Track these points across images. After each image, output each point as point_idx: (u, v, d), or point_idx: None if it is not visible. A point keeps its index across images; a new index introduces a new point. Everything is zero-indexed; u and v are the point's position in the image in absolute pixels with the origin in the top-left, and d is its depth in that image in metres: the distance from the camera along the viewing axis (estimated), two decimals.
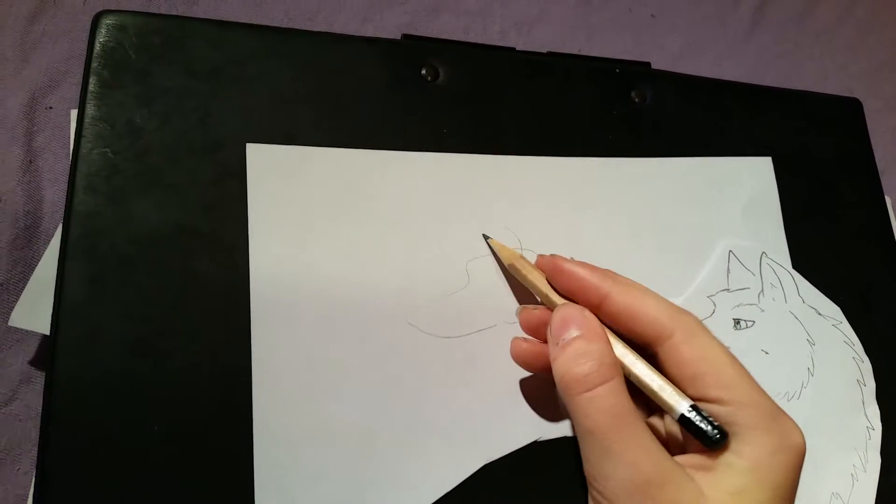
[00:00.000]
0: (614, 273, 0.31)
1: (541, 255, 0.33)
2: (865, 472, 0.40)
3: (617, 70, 0.43)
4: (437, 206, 0.36)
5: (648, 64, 0.44)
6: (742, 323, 0.39)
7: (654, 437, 0.26)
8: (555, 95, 0.41)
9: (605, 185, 0.40)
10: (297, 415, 0.31)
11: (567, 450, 0.33)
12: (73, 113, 0.37)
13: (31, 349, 0.36)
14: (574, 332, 0.28)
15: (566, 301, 0.31)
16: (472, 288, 0.35)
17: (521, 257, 0.34)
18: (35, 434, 0.34)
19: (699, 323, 0.29)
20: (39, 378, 0.36)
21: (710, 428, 0.26)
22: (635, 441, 0.25)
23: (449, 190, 0.36)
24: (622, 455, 0.25)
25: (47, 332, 0.31)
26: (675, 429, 0.30)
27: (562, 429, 0.34)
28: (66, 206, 0.32)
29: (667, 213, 0.40)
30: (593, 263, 0.37)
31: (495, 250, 0.35)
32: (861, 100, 0.49)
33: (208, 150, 0.34)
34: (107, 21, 0.35)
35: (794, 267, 0.42)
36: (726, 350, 0.28)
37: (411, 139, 0.37)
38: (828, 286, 0.42)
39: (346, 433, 0.31)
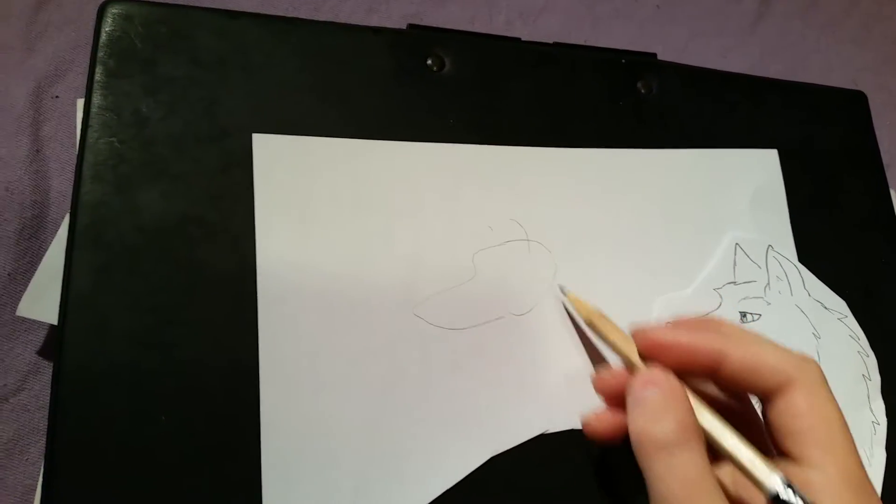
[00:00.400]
0: (720, 323, 0.29)
1: (635, 329, 0.30)
2: (871, 467, 0.40)
3: (623, 61, 0.42)
4: (443, 196, 0.36)
5: (654, 55, 0.44)
6: (748, 316, 0.39)
7: None
8: (561, 86, 0.41)
9: (611, 176, 0.40)
10: (304, 406, 0.31)
11: (574, 441, 0.33)
12: (80, 102, 0.36)
13: (38, 339, 0.36)
14: (653, 391, 0.26)
15: (650, 364, 0.29)
16: (478, 279, 0.35)
17: (602, 315, 0.32)
18: (43, 424, 0.34)
19: (821, 374, 0.27)
20: (47, 368, 0.36)
21: None
22: None
23: (455, 181, 0.36)
24: None
25: (55, 323, 0.31)
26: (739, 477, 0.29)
27: (569, 420, 0.34)
28: (73, 196, 0.32)
29: (673, 205, 0.40)
30: (599, 259, 0.37)
31: (573, 305, 0.34)
32: (866, 92, 0.48)
33: (214, 140, 0.34)
34: (112, 10, 0.35)
35: (799, 260, 0.42)
36: (840, 412, 0.27)
37: (417, 129, 0.37)
38: (833, 280, 0.42)
39: (353, 425, 0.31)
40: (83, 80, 0.34)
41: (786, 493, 0.24)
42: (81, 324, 0.30)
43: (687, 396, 0.27)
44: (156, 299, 0.31)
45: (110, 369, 0.30)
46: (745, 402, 0.30)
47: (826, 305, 0.42)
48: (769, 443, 0.28)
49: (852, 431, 0.39)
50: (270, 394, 0.31)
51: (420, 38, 0.39)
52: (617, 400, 0.29)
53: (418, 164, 0.36)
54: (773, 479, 0.24)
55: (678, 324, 0.29)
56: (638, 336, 0.29)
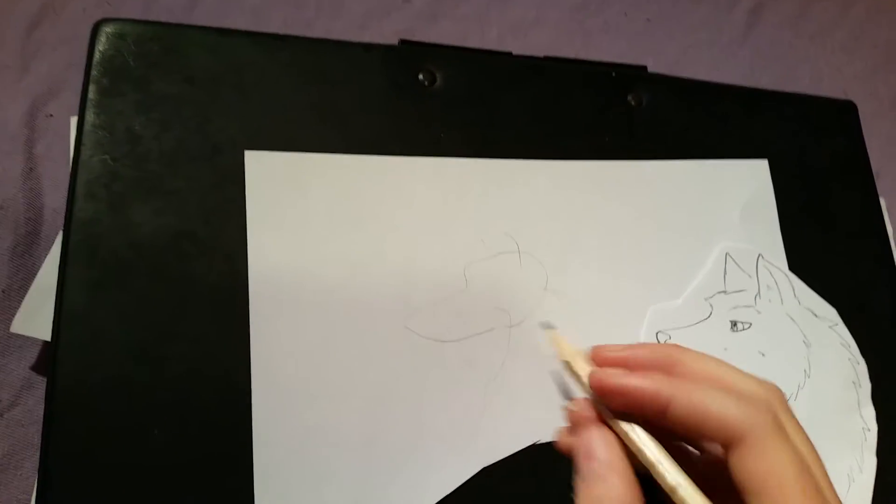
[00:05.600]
0: (676, 361, 0.27)
1: (597, 349, 0.29)
2: (862, 472, 0.40)
3: (613, 74, 0.43)
4: (434, 210, 0.36)
5: (645, 67, 0.44)
6: (739, 325, 0.40)
7: None
8: (551, 99, 0.41)
9: (603, 188, 0.40)
10: (296, 420, 0.31)
11: None
12: (73, 120, 0.37)
13: (32, 355, 0.36)
14: (597, 467, 0.25)
15: (595, 423, 0.27)
16: (469, 292, 0.35)
17: (578, 356, 0.30)
18: (37, 439, 0.35)
19: (774, 424, 0.25)
20: (41, 384, 0.36)
21: None
22: None
23: (446, 194, 0.37)
24: None
25: (48, 339, 0.31)
26: None
27: None
28: (66, 213, 0.32)
29: (664, 215, 0.41)
30: (591, 270, 0.38)
31: (555, 345, 0.32)
32: (856, 101, 0.49)
33: (207, 157, 0.34)
34: (106, 29, 0.35)
35: (790, 269, 0.42)
36: (797, 462, 0.25)
37: (409, 144, 0.37)
38: (824, 288, 0.43)
39: (345, 438, 0.31)
40: (77, 99, 0.34)
41: None
42: (75, 339, 0.30)
43: (625, 475, 0.25)
44: (148, 315, 0.31)
45: (103, 384, 0.30)
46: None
47: (817, 314, 0.42)
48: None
49: (843, 439, 0.40)
50: (262, 408, 0.31)
51: (411, 53, 0.40)
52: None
53: (410, 178, 0.36)
54: None
55: (631, 367, 0.28)
56: (592, 378, 0.28)
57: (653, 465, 0.25)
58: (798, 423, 0.26)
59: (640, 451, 0.26)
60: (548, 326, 0.34)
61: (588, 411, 0.28)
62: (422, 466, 0.32)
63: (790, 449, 0.25)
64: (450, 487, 0.32)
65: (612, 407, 0.27)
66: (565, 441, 0.29)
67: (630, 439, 0.26)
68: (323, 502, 0.30)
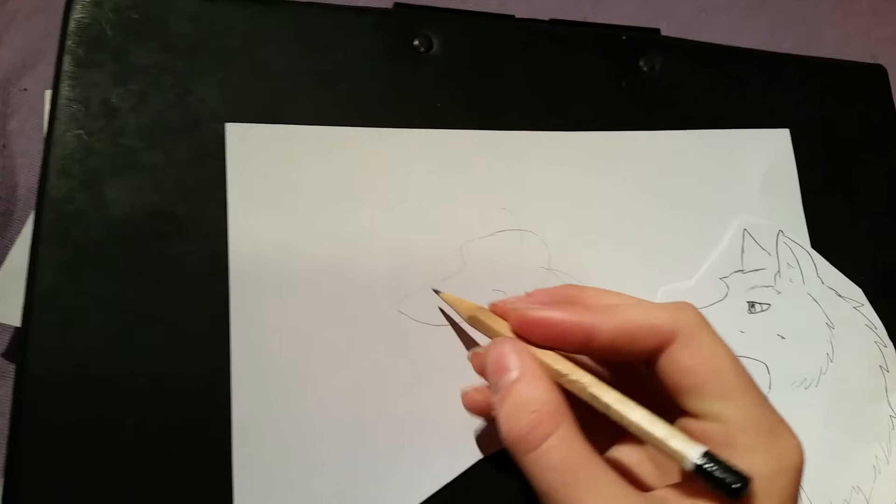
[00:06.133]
0: (588, 294, 0.27)
1: (496, 304, 0.29)
2: (889, 463, 0.37)
3: (624, 37, 0.40)
4: (430, 185, 0.34)
5: (658, 31, 0.41)
6: (757, 306, 0.37)
7: (620, 481, 0.23)
8: (557, 66, 0.38)
9: (611, 161, 0.37)
10: (280, 409, 0.29)
11: None
12: (48, 94, 0.35)
13: (3, 342, 0.35)
14: (512, 375, 0.25)
15: (507, 336, 0.27)
16: (467, 272, 0.33)
17: (482, 309, 0.30)
18: (6, 430, 0.33)
19: (700, 320, 0.25)
20: (11, 372, 0.35)
21: (729, 477, 0.22)
22: (598, 495, 0.22)
23: (443, 168, 0.34)
24: None
25: (19, 325, 0.30)
26: (651, 453, 0.27)
27: None
28: (38, 191, 0.30)
29: (677, 189, 0.38)
30: (597, 249, 0.36)
31: (451, 305, 0.31)
32: (886, 66, 0.46)
33: (187, 130, 0.32)
34: None
35: (812, 246, 0.40)
36: (729, 353, 0.25)
37: (403, 115, 0.35)
38: (849, 266, 0.40)
39: (332, 428, 0.30)
40: (53, 72, 0.33)
41: (703, 461, 0.22)
42: (46, 324, 0.29)
43: (544, 378, 0.25)
44: (123, 298, 0.30)
45: (75, 371, 0.28)
46: (632, 368, 0.28)
47: (840, 293, 0.39)
48: (665, 404, 0.26)
49: (869, 427, 0.38)
50: (243, 397, 0.29)
51: (406, 17, 0.37)
52: None
53: (404, 151, 0.34)
54: (692, 453, 0.22)
55: (547, 300, 0.28)
56: (510, 314, 0.27)
57: (585, 390, 0.25)
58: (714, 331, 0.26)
59: (572, 381, 0.25)
60: (437, 290, 0.32)
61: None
62: (414, 458, 0.30)
63: (721, 342, 0.25)
64: (445, 480, 0.30)
65: (535, 341, 0.26)
66: (474, 395, 0.29)
67: (557, 370, 0.25)
68: (306, 495, 0.29)
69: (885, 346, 0.39)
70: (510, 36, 0.38)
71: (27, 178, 0.37)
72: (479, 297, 0.33)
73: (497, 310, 0.29)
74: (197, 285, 0.30)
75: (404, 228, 0.33)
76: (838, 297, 0.39)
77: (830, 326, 0.39)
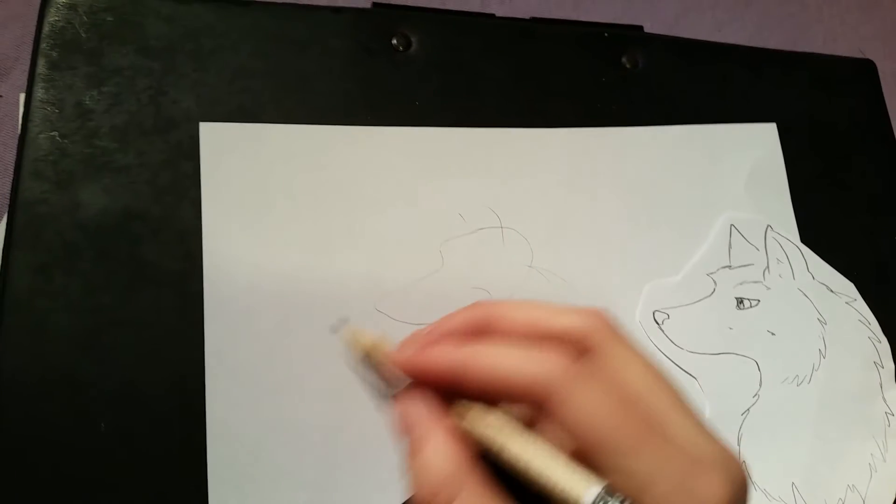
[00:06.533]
0: (492, 306, 0.24)
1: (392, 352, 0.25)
2: (885, 461, 0.37)
3: (606, 34, 0.40)
4: (408, 184, 0.34)
5: (640, 28, 0.41)
6: (746, 302, 0.37)
7: None
8: (538, 63, 0.38)
9: (594, 157, 0.37)
10: (256, 412, 0.29)
11: None
12: (23, 98, 0.35)
13: None
14: (414, 438, 0.23)
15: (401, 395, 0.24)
16: (446, 271, 0.33)
17: (381, 345, 0.25)
18: None
19: (575, 370, 0.21)
20: None
21: None
22: None
23: (422, 167, 0.34)
24: None
25: None
26: None
27: None
28: (11, 193, 0.30)
29: (662, 186, 0.37)
30: (580, 246, 0.35)
31: (352, 337, 0.26)
32: (874, 61, 0.45)
33: (160, 131, 0.32)
34: (57, 0, 0.33)
35: (802, 241, 0.39)
36: (609, 402, 0.21)
37: (381, 113, 0.35)
38: (840, 261, 0.39)
39: (310, 430, 0.29)
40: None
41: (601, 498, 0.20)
42: (18, 327, 0.28)
43: (445, 438, 0.22)
44: (97, 300, 0.29)
45: (48, 374, 0.28)
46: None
47: (832, 288, 0.38)
48: None
49: (864, 424, 0.37)
50: (218, 399, 0.28)
51: (384, 16, 0.37)
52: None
53: (382, 149, 0.34)
54: (585, 492, 0.20)
55: (445, 325, 0.24)
56: (394, 358, 0.24)
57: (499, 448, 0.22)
58: (628, 344, 0.23)
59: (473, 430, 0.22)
60: (342, 323, 0.30)
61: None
62: (390, 461, 0.30)
63: (601, 388, 0.21)
64: None
65: (423, 382, 0.23)
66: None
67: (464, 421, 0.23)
68: (279, 497, 0.28)
69: (880, 342, 0.39)
70: (490, 35, 0.38)
71: (2, 184, 0.36)
72: (460, 296, 0.32)
73: (408, 342, 0.25)
74: (171, 286, 0.30)
75: (382, 227, 0.33)
76: (830, 293, 0.39)
77: (822, 322, 0.38)
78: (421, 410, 0.23)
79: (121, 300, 0.29)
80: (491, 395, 0.23)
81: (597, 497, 0.20)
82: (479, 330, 0.24)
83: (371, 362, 0.26)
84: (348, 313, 0.31)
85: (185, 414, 0.28)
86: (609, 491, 0.20)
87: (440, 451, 0.22)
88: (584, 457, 0.21)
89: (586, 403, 0.21)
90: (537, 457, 0.21)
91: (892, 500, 0.36)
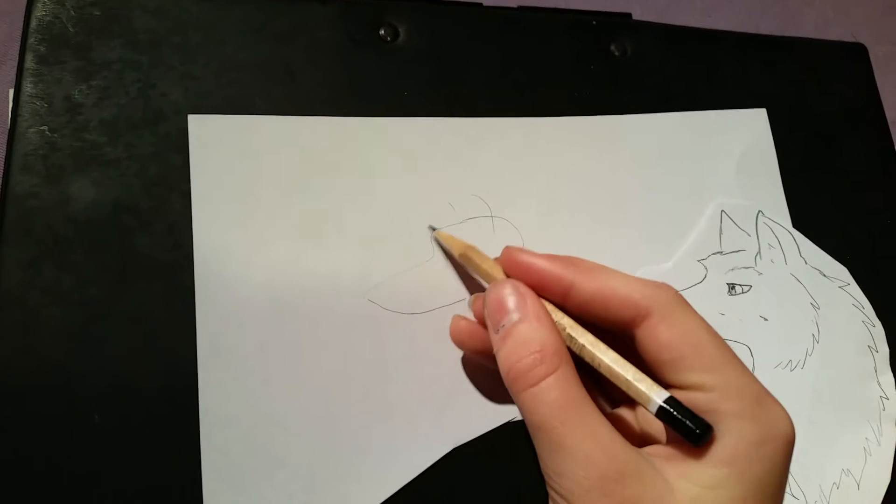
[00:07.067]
0: (578, 259, 0.28)
1: (505, 248, 0.30)
2: (879, 445, 0.37)
3: (594, 22, 0.40)
4: (398, 174, 0.34)
5: (629, 15, 0.41)
6: (738, 288, 0.37)
7: (610, 427, 0.23)
8: (526, 52, 0.38)
9: (583, 145, 0.37)
10: (248, 401, 0.29)
11: None
12: (12, 92, 0.35)
13: None
14: (513, 317, 0.25)
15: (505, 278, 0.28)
16: (437, 260, 0.33)
17: (473, 247, 0.30)
18: None
19: (678, 298, 0.25)
20: None
21: (690, 422, 0.23)
22: (588, 433, 0.23)
23: (411, 157, 0.34)
24: (574, 449, 0.22)
25: None
26: (650, 419, 0.28)
27: None
28: (1, 188, 0.30)
29: (651, 173, 0.37)
30: (571, 233, 0.35)
31: (444, 244, 0.32)
32: (867, 46, 0.45)
33: (150, 124, 0.32)
34: None
35: (794, 226, 0.39)
36: (708, 328, 0.25)
37: (369, 104, 0.35)
38: (833, 245, 0.39)
39: (302, 419, 0.29)
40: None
41: (668, 407, 0.23)
42: (9, 321, 0.28)
43: (549, 317, 0.26)
44: (87, 293, 0.29)
45: (40, 367, 0.28)
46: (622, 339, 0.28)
47: (825, 273, 0.38)
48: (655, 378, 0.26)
49: (859, 408, 0.37)
50: (210, 390, 0.29)
51: (372, 7, 0.37)
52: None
53: (371, 140, 0.34)
54: (658, 397, 0.23)
55: (541, 254, 0.28)
56: (503, 255, 0.28)
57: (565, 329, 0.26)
58: (695, 310, 0.26)
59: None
60: (433, 227, 0.33)
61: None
62: (385, 449, 0.30)
63: (699, 318, 0.25)
64: (416, 471, 0.30)
65: None
66: (461, 322, 0.29)
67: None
68: (278, 489, 0.28)
69: (874, 326, 0.39)
70: (478, 24, 0.38)
71: None
72: (451, 287, 0.32)
73: (502, 258, 0.29)
74: (162, 279, 0.30)
75: (372, 217, 0.33)
76: (823, 277, 0.39)
77: (815, 307, 0.38)
78: (522, 293, 0.26)
79: (112, 293, 0.29)
80: (588, 309, 0.26)
81: (667, 400, 0.23)
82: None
83: (468, 261, 0.30)
84: (337, 301, 0.31)
85: (178, 405, 0.29)
86: (675, 401, 0.23)
87: (542, 330, 0.25)
88: (660, 372, 0.25)
89: (685, 320, 0.25)
90: (614, 360, 0.25)
91: (887, 483, 0.36)
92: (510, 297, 0.26)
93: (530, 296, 0.26)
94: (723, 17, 0.50)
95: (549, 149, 0.36)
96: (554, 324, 0.25)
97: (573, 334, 0.25)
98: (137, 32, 0.33)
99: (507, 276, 0.28)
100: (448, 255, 0.33)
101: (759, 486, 0.22)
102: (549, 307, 0.26)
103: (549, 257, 0.27)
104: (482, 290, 0.31)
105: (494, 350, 0.26)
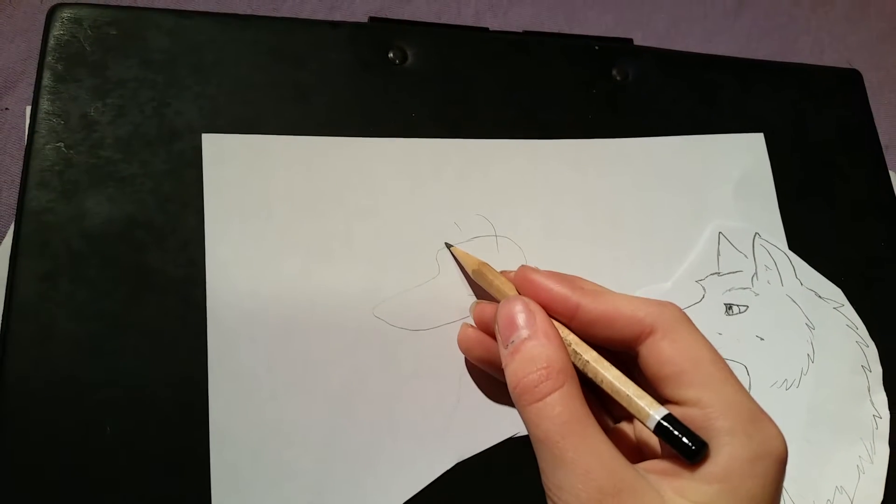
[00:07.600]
0: (582, 280, 0.29)
1: (521, 266, 0.31)
2: (872, 463, 0.37)
3: (596, 47, 0.41)
4: (405, 194, 0.34)
5: (630, 40, 0.42)
6: (734, 308, 0.37)
7: (610, 444, 0.24)
8: (530, 76, 0.39)
9: (585, 168, 0.38)
10: (257, 415, 0.30)
11: None
12: (29, 110, 0.36)
13: None
14: (523, 333, 0.26)
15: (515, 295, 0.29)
16: (442, 278, 0.34)
17: (486, 264, 0.32)
18: None
19: (682, 315, 0.26)
20: None
21: (686, 439, 0.23)
22: (588, 448, 0.23)
23: (418, 177, 0.35)
24: (574, 463, 0.23)
25: None
26: (648, 434, 0.28)
27: None
28: (17, 203, 0.31)
29: (651, 195, 0.38)
30: (573, 252, 0.36)
31: (459, 259, 0.33)
32: (861, 72, 0.46)
33: (164, 142, 0.33)
34: (62, 14, 0.34)
35: (790, 248, 0.40)
36: (709, 346, 0.26)
37: (378, 125, 0.35)
38: (828, 267, 0.40)
39: (310, 433, 0.30)
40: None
41: (665, 423, 0.24)
42: (25, 333, 0.29)
43: (557, 335, 0.27)
44: (101, 306, 0.30)
45: (54, 379, 0.29)
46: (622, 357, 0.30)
47: (820, 294, 0.39)
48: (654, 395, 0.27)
49: (852, 427, 0.38)
50: (220, 403, 0.29)
51: (381, 30, 0.38)
52: (492, 329, 0.30)
53: (379, 160, 0.35)
54: (656, 413, 0.24)
55: (551, 272, 0.29)
56: (516, 273, 0.29)
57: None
58: (698, 329, 0.27)
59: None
60: (449, 245, 0.34)
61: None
62: (390, 463, 0.30)
63: (701, 336, 0.26)
64: (420, 484, 0.30)
65: None
66: (469, 331, 0.31)
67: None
68: (282, 501, 0.29)
69: (867, 346, 0.39)
70: (484, 48, 0.39)
71: (9, 195, 0.37)
72: (456, 304, 0.33)
73: (515, 276, 0.30)
74: (174, 294, 0.31)
75: (379, 236, 0.33)
76: (818, 298, 0.39)
77: (811, 327, 0.39)
78: (533, 310, 0.27)
79: (125, 306, 0.30)
80: (592, 329, 0.27)
81: (665, 417, 0.24)
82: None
83: (481, 277, 0.31)
84: (344, 317, 0.32)
85: (189, 417, 0.29)
86: (672, 418, 0.24)
87: (549, 347, 0.26)
88: (660, 387, 0.26)
89: (688, 336, 0.26)
90: (616, 377, 0.26)
91: (880, 500, 0.37)
92: (521, 314, 0.27)
93: (540, 313, 0.27)
94: (722, 43, 0.51)
95: (552, 170, 0.37)
96: (562, 342, 0.26)
97: (578, 350, 0.26)
98: (153, 52, 0.34)
99: (519, 293, 0.29)
100: (461, 270, 0.34)
101: (751, 503, 0.23)
102: (556, 324, 0.27)
103: (559, 279, 0.28)
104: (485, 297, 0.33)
105: (503, 364, 0.27)
